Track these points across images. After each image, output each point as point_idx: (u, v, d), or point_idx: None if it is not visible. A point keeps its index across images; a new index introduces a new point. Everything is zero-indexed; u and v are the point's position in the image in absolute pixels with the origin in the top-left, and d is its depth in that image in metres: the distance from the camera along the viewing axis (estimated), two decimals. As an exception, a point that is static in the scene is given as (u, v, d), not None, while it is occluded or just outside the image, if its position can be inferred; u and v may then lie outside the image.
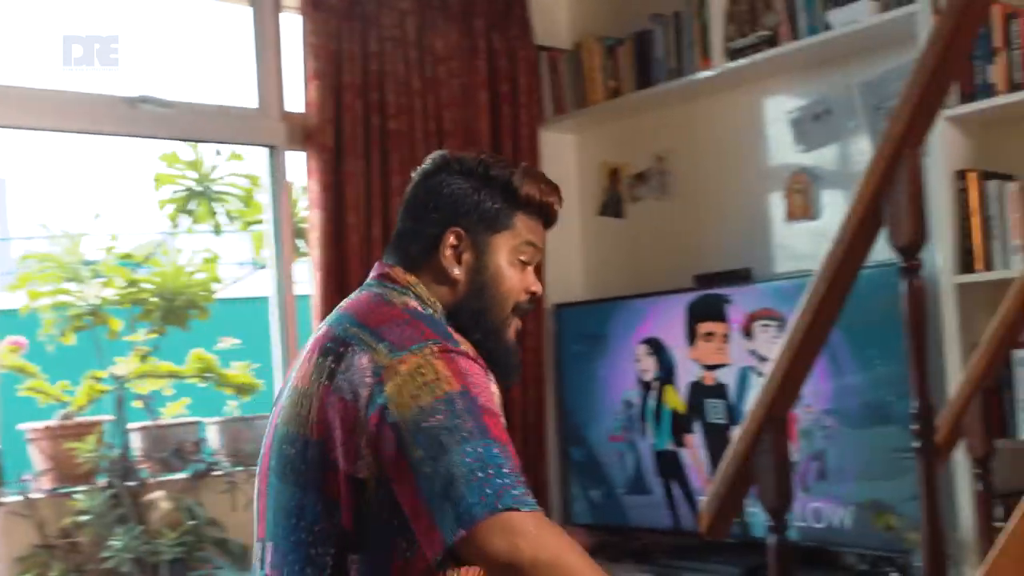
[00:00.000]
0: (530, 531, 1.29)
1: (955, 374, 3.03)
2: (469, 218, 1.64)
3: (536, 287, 1.70)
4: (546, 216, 1.74)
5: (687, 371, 3.84)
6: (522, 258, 1.67)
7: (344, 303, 1.65)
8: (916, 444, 2.05)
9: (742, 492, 2.13)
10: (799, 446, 3.39)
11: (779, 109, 3.84)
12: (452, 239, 1.64)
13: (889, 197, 2.07)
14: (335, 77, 3.75)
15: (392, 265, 1.66)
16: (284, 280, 3.79)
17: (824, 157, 3.72)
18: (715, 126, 4.06)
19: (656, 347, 3.95)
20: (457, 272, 1.63)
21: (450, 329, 1.56)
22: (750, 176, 3.94)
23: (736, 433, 2.22)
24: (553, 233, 4.26)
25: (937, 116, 2.11)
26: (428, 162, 1.74)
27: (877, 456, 3.23)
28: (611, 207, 4.40)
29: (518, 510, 1.30)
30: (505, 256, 1.65)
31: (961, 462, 2.95)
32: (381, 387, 1.38)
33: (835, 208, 3.70)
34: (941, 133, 3.13)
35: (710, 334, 3.79)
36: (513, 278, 1.65)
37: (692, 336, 3.83)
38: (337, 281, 3.70)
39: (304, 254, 4.28)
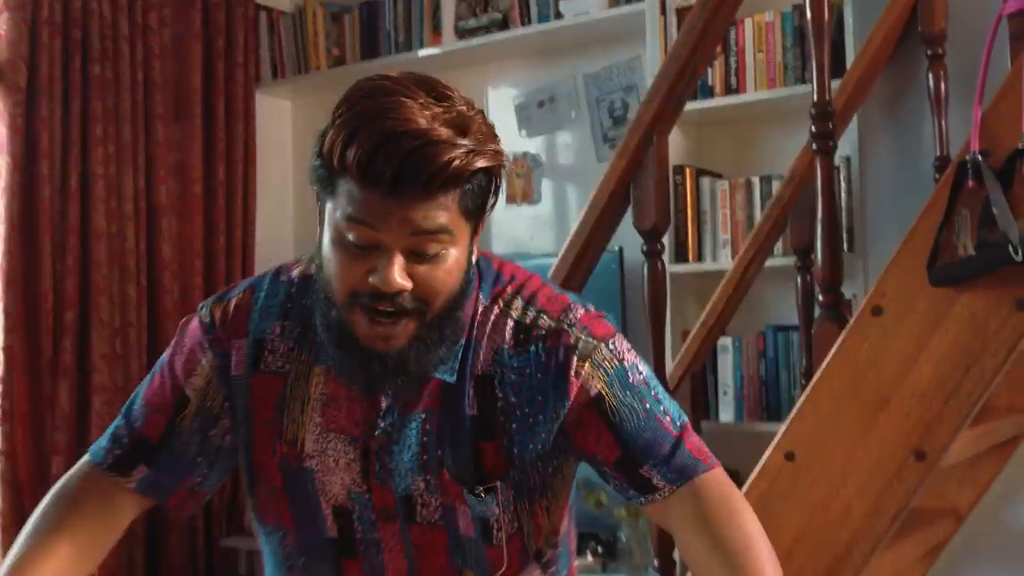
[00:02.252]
0: None
1: (666, 359, 3.15)
2: (313, 179, 1.20)
3: (376, 282, 1.14)
4: (380, 183, 1.11)
5: (401, 349, 3.78)
6: (348, 237, 1.14)
7: None
8: (652, 422, 2.10)
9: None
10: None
11: (505, 93, 3.86)
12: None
13: (637, 180, 2.11)
14: (31, 10, 3.38)
15: None
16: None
17: (546, 144, 3.79)
18: (439, 104, 4.02)
19: (370, 324, 3.86)
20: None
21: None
22: (472, 157, 3.93)
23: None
24: (264, 204, 4.15)
25: (683, 105, 2.18)
26: None
27: (587, 437, 3.31)
28: (327, 178, 4.26)
29: None
30: (328, 232, 1.18)
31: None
32: None
33: (554, 194, 3.77)
34: (661, 128, 3.25)
35: (426, 313, 3.75)
36: (336, 260, 1.17)
37: (408, 314, 3.77)
38: (25, 238, 3.34)
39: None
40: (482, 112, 1.18)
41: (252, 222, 3.99)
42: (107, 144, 3.50)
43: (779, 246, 3.04)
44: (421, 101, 1.11)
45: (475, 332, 1.26)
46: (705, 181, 3.23)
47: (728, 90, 3.21)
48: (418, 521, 1.28)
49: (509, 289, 1.29)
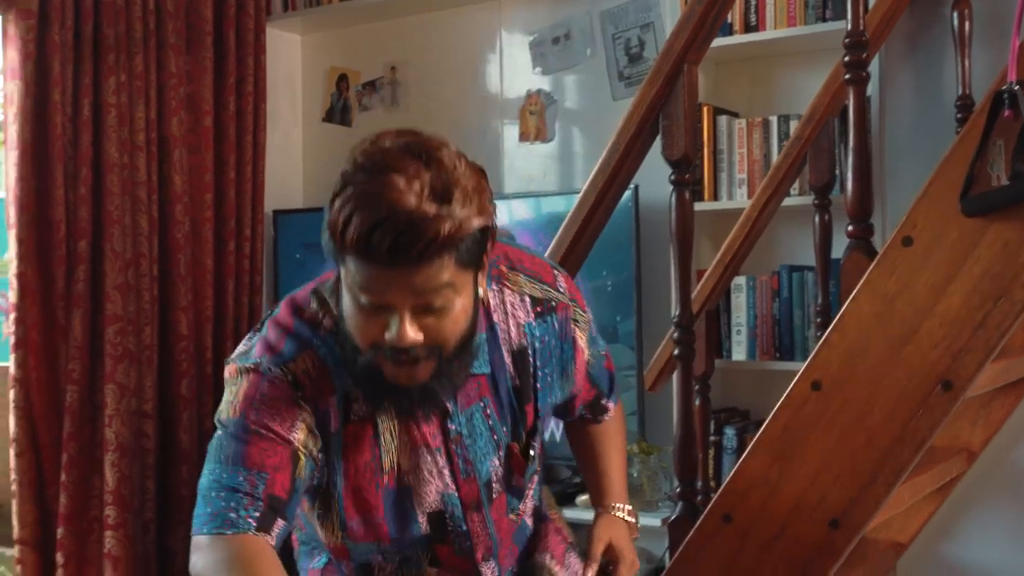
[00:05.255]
0: None
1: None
2: (325, 248, 1.31)
3: (391, 339, 1.28)
4: (379, 259, 1.23)
5: (411, 285, 3.78)
6: (361, 300, 1.28)
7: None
8: (676, 350, 2.12)
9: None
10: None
11: (519, 30, 3.83)
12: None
13: (666, 109, 2.10)
14: (43, -65, 3.33)
15: None
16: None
17: (560, 82, 3.76)
18: (453, 41, 3.99)
19: (380, 260, 3.86)
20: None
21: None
22: (485, 94, 3.91)
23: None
24: (274, 138, 4.13)
25: (714, 35, 2.16)
26: None
27: (599, 373, 3.33)
28: (338, 114, 4.24)
29: None
30: (345, 293, 1.32)
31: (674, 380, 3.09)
32: None
33: (568, 133, 3.76)
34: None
35: (437, 249, 3.75)
36: (355, 319, 1.31)
37: (419, 250, 3.77)
38: (38, 165, 3.31)
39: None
40: (469, 165, 1.28)
41: (262, 157, 3.96)
42: (119, 73, 3.46)
43: (795, 186, 3.04)
44: (411, 171, 1.21)
45: (495, 317, 1.45)
46: (722, 120, 3.22)
47: (747, 28, 3.19)
48: (493, 499, 1.53)
49: (503, 267, 1.47)
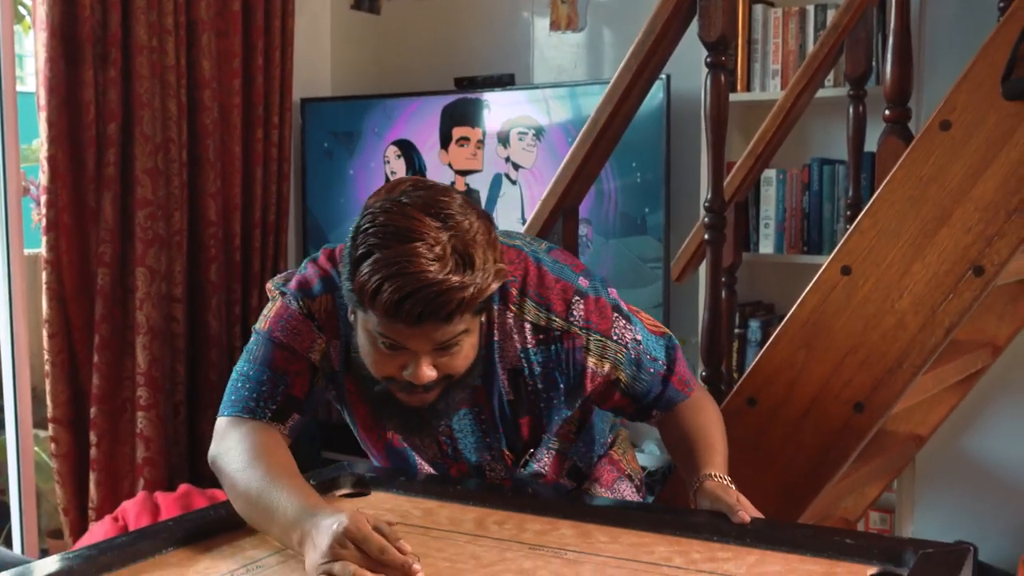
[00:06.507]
0: None
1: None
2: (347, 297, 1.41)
3: (411, 376, 1.40)
4: (406, 322, 1.33)
5: (438, 175, 3.79)
6: (380, 344, 1.39)
7: None
8: (707, 235, 2.12)
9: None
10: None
11: (551, -85, 3.75)
12: None
13: (704, -11, 2.06)
14: None
15: None
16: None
17: (592, -31, 3.70)
18: (482, -74, 3.92)
19: (407, 149, 3.85)
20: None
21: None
22: (516, -18, 3.85)
23: (528, 222, 2.21)
24: (302, 25, 4.09)
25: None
26: None
27: (627, 265, 3.34)
28: (366, 2, 4.19)
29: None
30: (362, 331, 1.42)
31: (702, 271, 3.10)
32: None
33: (598, 22, 3.70)
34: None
35: (464, 139, 3.74)
36: (372, 356, 1.42)
37: (446, 140, 3.76)
38: (66, 47, 3.29)
39: (23, 18, 3.82)
40: (477, 214, 1.36)
41: (290, 43, 3.93)
42: (146, -47, 3.43)
43: (829, 78, 3.00)
44: (431, 237, 1.30)
45: (495, 335, 1.53)
46: (758, 8, 3.17)
47: (787, -87, 3.11)
48: (488, 477, 1.67)
49: (514, 291, 1.52)
